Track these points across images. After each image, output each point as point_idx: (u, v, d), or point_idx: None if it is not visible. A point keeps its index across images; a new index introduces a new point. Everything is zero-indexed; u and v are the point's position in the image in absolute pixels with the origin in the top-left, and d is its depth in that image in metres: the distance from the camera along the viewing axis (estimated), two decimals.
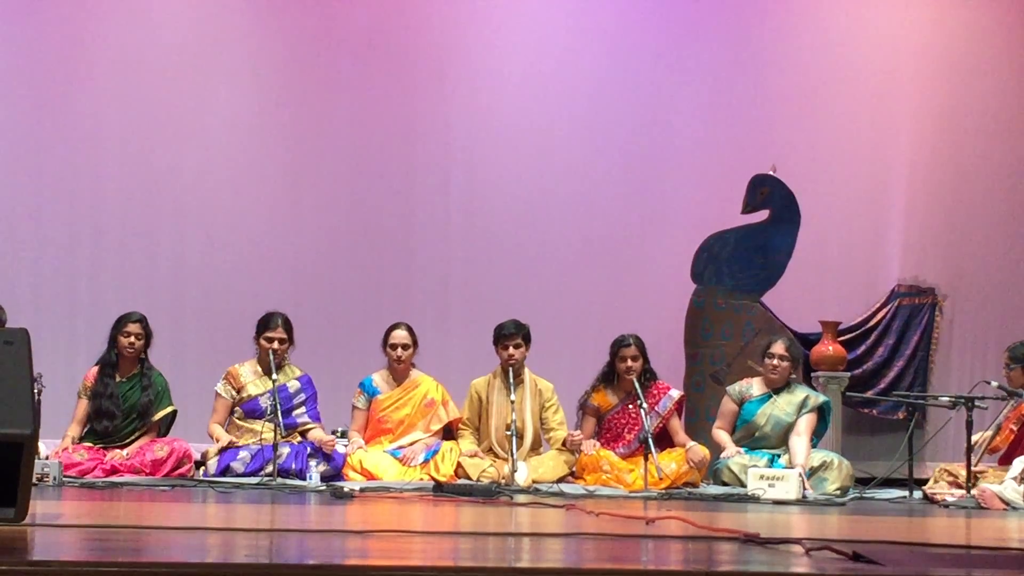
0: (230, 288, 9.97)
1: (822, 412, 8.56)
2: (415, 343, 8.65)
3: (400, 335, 8.61)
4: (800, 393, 8.59)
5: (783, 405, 8.53)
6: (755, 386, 8.67)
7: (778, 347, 8.63)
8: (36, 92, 9.90)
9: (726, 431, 8.63)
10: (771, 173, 9.84)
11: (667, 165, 10.47)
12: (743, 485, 7.99)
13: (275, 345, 8.37)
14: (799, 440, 8.33)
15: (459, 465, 8.34)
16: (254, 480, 7.84)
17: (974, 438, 8.05)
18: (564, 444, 8.51)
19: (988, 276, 10.70)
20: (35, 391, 4.87)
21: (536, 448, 8.63)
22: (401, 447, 8.48)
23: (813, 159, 10.51)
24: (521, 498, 7.23)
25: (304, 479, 7.95)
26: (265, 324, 8.46)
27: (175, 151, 10.02)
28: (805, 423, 8.42)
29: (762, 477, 7.81)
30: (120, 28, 10.05)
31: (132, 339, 8.30)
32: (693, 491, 8.04)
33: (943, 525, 6.30)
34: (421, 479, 8.15)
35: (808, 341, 9.97)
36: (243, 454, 8.17)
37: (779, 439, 8.49)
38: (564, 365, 9.51)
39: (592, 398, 8.66)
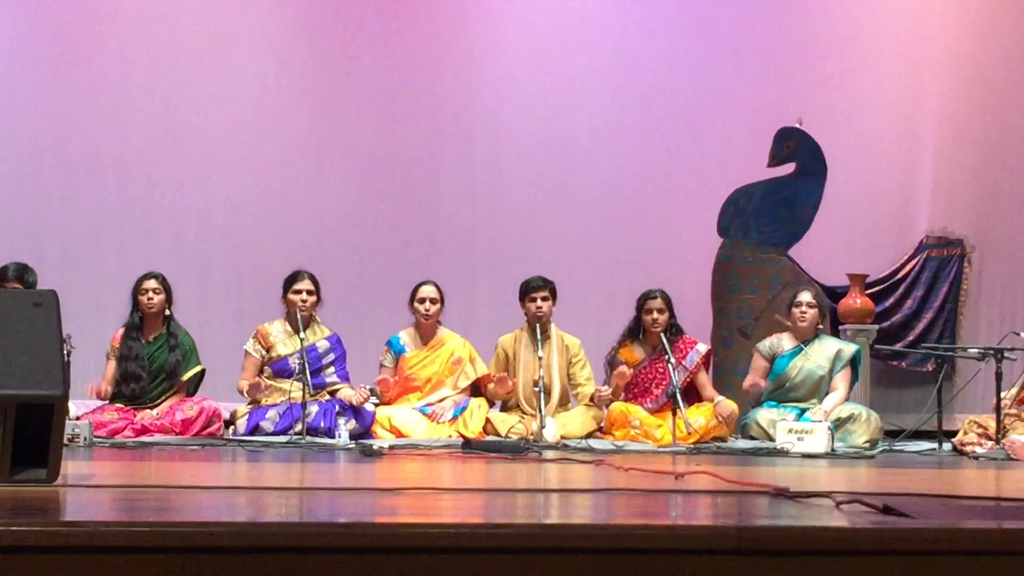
0: (256, 247, 9.99)
1: (853, 363, 8.56)
2: (442, 300, 8.66)
3: (428, 290, 8.62)
4: (831, 345, 8.58)
5: (815, 357, 8.51)
6: (785, 340, 8.64)
7: (804, 295, 8.62)
8: (61, 52, 9.89)
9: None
10: (797, 126, 9.78)
11: (693, 118, 10.41)
12: (771, 439, 8.00)
13: (303, 297, 8.38)
14: (834, 394, 8.36)
15: (488, 421, 8.35)
16: (283, 439, 7.87)
17: (1002, 395, 7.99)
18: (592, 400, 8.52)
19: (1017, 227, 10.61)
20: (64, 352, 4.88)
21: (564, 404, 8.63)
22: (429, 404, 8.49)
23: (840, 111, 10.43)
24: (549, 454, 7.21)
25: (333, 437, 7.97)
26: (293, 279, 8.49)
27: (200, 110, 10.01)
28: (841, 378, 8.43)
29: (791, 431, 7.80)
30: None
31: (150, 294, 8.30)
32: (722, 445, 8.04)
33: (973, 477, 6.28)
34: (450, 436, 8.17)
35: (836, 294, 9.93)
36: (272, 413, 8.20)
37: (809, 391, 8.48)
38: (591, 321, 9.51)
39: (619, 353, 8.64)
